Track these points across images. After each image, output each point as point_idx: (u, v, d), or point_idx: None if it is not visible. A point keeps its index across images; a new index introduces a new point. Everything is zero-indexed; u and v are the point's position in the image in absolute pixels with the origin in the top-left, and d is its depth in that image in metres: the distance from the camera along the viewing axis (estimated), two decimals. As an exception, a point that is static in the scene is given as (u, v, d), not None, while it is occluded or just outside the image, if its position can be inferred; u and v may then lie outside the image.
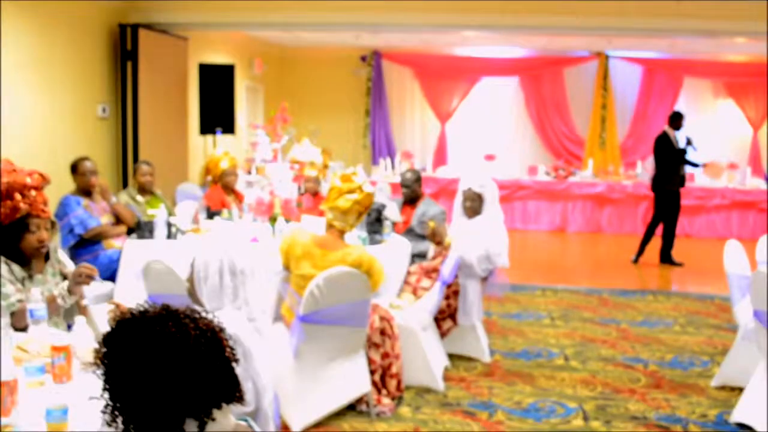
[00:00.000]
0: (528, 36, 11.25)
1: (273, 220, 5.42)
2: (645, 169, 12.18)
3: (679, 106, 13.12)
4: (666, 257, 9.33)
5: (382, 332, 4.41)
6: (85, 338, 2.77)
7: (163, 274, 4.03)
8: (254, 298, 2.84)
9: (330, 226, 4.22)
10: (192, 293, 2.94)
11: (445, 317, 5.35)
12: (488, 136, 13.49)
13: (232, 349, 1.76)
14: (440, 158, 13.49)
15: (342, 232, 4.22)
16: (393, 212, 6.12)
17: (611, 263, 9.80)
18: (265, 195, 5.59)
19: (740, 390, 4.98)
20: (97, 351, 1.78)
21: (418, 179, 6.38)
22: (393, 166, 12.25)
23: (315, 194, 6.64)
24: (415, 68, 13.71)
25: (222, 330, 1.77)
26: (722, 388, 5.14)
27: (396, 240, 5.61)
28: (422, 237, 6.13)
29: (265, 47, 12.96)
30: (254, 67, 12.43)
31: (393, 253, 5.28)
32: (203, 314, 1.78)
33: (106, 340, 1.72)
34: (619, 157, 13.03)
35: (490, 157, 12.31)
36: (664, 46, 11.98)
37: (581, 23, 8.60)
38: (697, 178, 11.97)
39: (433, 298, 4.89)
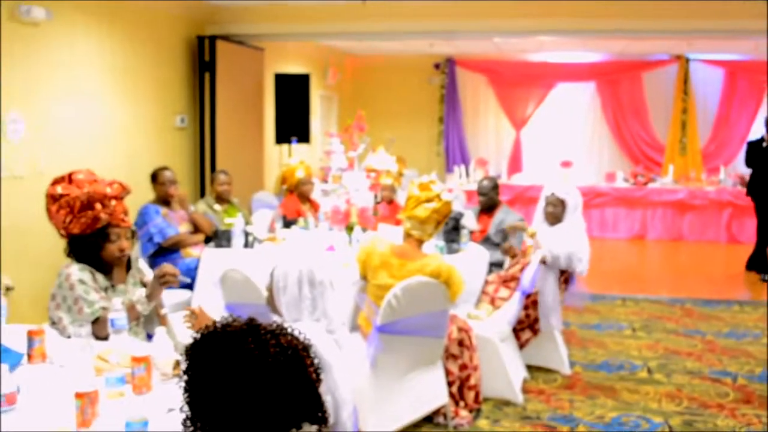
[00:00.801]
0: (604, 40, 11.02)
1: (349, 228, 5.41)
2: (728, 175, 11.80)
3: (763, 111, 12.68)
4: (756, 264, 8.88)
5: (461, 343, 4.34)
6: (165, 349, 2.78)
7: (241, 283, 4.05)
8: (333, 310, 2.81)
9: (408, 236, 4.18)
10: (271, 303, 2.93)
11: (524, 327, 5.24)
12: (564, 143, 13.26)
13: (316, 368, 1.72)
14: (515, 165, 13.32)
15: (420, 242, 4.17)
16: (470, 221, 6.05)
17: (693, 272, 9.50)
18: (341, 203, 5.59)
19: (838, 407, 4.75)
20: (177, 362, 1.78)
21: (495, 187, 6.29)
22: (467, 174, 12.14)
23: (390, 202, 6.61)
24: (489, 75, 13.58)
25: (306, 348, 1.73)
26: (818, 404, 4.90)
27: (473, 249, 5.53)
28: (500, 245, 6.04)
29: (338, 56, 13.04)
30: (328, 76, 12.51)
31: (471, 262, 5.21)
32: (288, 330, 1.74)
33: (188, 352, 1.70)
34: (701, 162, 12.62)
35: (566, 164, 12.09)
36: (746, 48, 11.57)
37: (661, 26, 8.36)
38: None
39: (512, 308, 4.80)
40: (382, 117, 13.73)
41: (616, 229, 11.69)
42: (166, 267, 3.31)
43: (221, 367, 1.62)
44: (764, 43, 10.65)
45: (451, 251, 5.31)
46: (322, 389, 2.19)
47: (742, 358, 5.86)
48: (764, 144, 8.55)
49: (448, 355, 4.30)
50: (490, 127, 13.77)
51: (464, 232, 5.48)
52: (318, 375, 1.74)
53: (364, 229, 5.42)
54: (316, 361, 1.73)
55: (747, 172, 11.50)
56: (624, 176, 12.04)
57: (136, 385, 2.59)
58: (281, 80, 9.76)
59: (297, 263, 2.80)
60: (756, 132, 12.32)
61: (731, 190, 11.40)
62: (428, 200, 4.13)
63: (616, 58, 13.03)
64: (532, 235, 5.20)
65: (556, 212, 5.29)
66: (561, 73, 13.24)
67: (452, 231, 5.36)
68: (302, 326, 2.79)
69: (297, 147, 9.94)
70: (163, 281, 3.29)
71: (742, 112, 12.71)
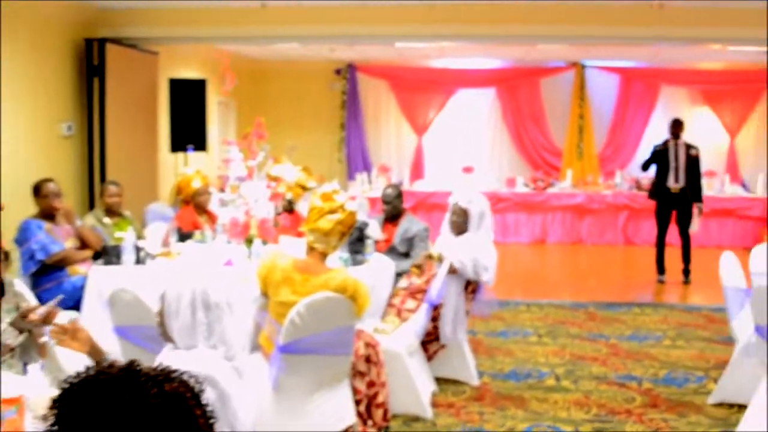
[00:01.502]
0: (504, 47, 11.10)
1: (249, 241, 5.14)
2: (624, 179, 12.08)
3: (657, 115, 13.06)
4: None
5: (368, 359, 4.16)
6: (41, 386, 2.48)
7: (131, 304, 3.76)
8: (232, 335, 2.58)
9: (311, 249, 3.96)
10: (162, 329, 2.67)
11: (432, 340, 5.11)
12: (466, 149, 13.29)
13: (208, 417, 1.49)
14: (417, 172, 13.26)
15: (324, 255, 3.96)
16: (375, 230, 5.89)
17: (594, 275, 9.64)
18: (240, 215, 5.32)
19: (739, 407, 4.82)
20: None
21: (399, 195, 6.15)
22: (369, 181, 12.01)
23: (291, 212, 6.36)
24: (390, 81, 13.49)
25: (196, 395, 1.48)
26: (720, 405, 4.98)
27: (379, 259, 5.37)
28: (405, 255, 5.90)
29: (237, 61, 12.65)
30: (226, 81, 12.09)
31: (376, 273, 5.04)
32: (176, 374, 1.49)
33: (55, 403, 1.44)
34: (598, 167, 12.89)
35: (468, 170, 12.12)
36: (641, 55, 11.89)
37: (560, 32, 8.45)
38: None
39: (419, 320, 4.65)
40: (282, 124, 13.45)
41: (517, 234, 11.79)
42: (26, 309, 2.94)
43: (93, 422, 1.38)
44: (657, 50, 10.97)
45: (355, 263, 5.12)
46: (221, 423, 1.96)
47: (646, 361, 5.92)
48: (663, 148, 8.71)
49: (355, 373, 4.10)
50: (391, 134, 13.68)
51: (369, 243, 5.31)
52: (211, 425, 1.50)
53: (265, 242, 5.16)
54: (209, 409, 1.50)
55: (642, 175, 11.87)
56: (524, 181, 12.16)
57: (6, 431, 2.29)
58: (176, 86, 9.38)
59: (189, 284, 2.55)
60: (650, 136, 12.71)
61: (627, 193, 11.68)
62: (332, 211, 3.93)
63: (515, 65, 13.17)
64: (440, 259, 5.05)
65: (459, 222, 5.19)
66: (462, 79, 13.29)
67: (357, 242, 5.18)
68: (197, 354, 2.55)
69: (194, 155, 9.58)
70: (22, 326, 2.91)
71: (636, 117, 13.06)
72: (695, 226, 8.67)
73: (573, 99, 13.00)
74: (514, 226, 11.83)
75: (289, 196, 6.16)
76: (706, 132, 13.16)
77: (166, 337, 2.66)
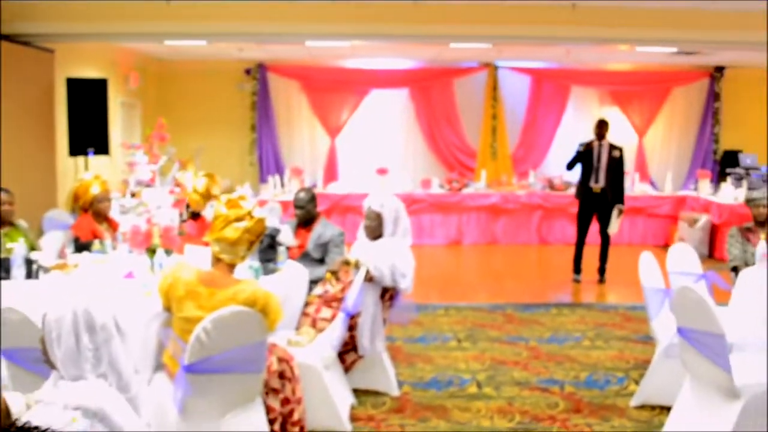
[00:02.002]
0: (417, 45, 10.99)
1: (151, 251, 4.79)
2: (537, 179, 12.14)
3: (568, 115, 13.20)
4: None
5: (281, 375, 3.90)
6: None
7: (19, 325, 3.41)
8: (124, 362, 2.28)
9: (217, 260, 3.67)
10: (46, 357, 2.36)
11: (349, 350, 4.88)
12: (380, 150, 13.14)
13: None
14: (331, 174, 13.02)
15: (231, 266, 3.68)
16: (287, 236, 5.62)
17: (510, 275, 9.59)
18: (142, 223, 4.96)
19: (661, 408, 4.79)
20: None
21: (312, 199, 5.89)
22: (282, 184, 11.69)
23: (197, 218, 6.02)
24: (302, 81, 13.19)
25: None
26: (642, 407, 4.93)
27: (292, 267, 5.10)
28: (320, 261, 5.66)
29: (142, 60, 12.19)
30: (130, 81, 11.63)
31: (289, 282, 4.77)
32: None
33: None
34: (511, 167, 12.93)
35: (382, 171, 11.94)
36: (551, 55, 11.97)
37: (473, 31, 8.37)
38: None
39: (336, 331, 4.41)
40: (191, 126, 13.05)
41: (432, 236, 11.69)
42: None
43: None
44: (567, 51, 11.05)
45: (267, 272, 4.84)
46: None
47: (567, 364, 5.85)
48: (587, 148, 8.70)
49: (268, 390, 3.84)
50: (304, 135, 13.39)
51: (281, 250, 5.03)
52: None
53: (169, 252, 4.82)
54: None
55: (555, 175, 11.96)
56: (439, 182, 12.07)
57: None
58: (74, 85, 8.85)
59: (70, 304, 2.24)
60: (562, 137, 12.84)
61: (540, 193, 11.73)
62: (238, 219, 3.65)
63: (428, 65, 13.09)
64: (356, 265, 4.83)
65: (373, 226, 4.98)
66: (374, 79, 13.11)
67: (268, 249, 4.90)
68: (85, 387, 2.25)
69: (95, 159, 9.09)
70: None
71: (547, 118, 13.16)
72: (614, 228, 8.71)
73: (486, 100, 13.01)
74: (429, 228, 11.72)
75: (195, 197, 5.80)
76: (615, 132, 13.37)
77: (50, 364, 2.35)
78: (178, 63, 13.02)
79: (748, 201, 5.79)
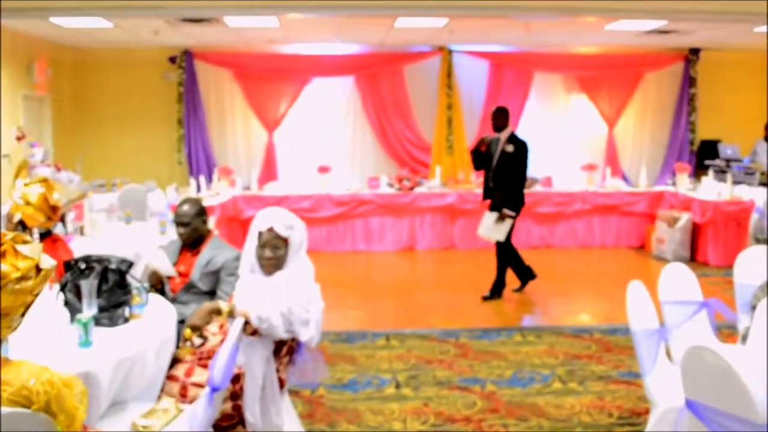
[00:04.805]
0: (361, 26, 9.66)
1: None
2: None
3: (531, 103, 11.97)
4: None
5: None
6: None
7: None
8: None
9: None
10: None
11: (234, 424, 3.54)
12: (323, 145, 11.80)
13: None
14: (269, 173, 11.66)
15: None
16: (163, 264, 4.28)
17: (467, 287, 8.26)
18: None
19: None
20: None
21: (200, 212, 4.53)
22: (208, 186, 10.27)
23: (46, 238, 4.61)
24: (234, 69, 11.76)
25: None
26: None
27: (157, 306, 3.75)
28: (210, 294, 4.33)
29: (51, 49, 10.72)
30: (34, 72, 10.16)
31: (147, 333, 3.41)
32: None
33: None
34: (470, 162, 11.61)
35: (324, 169, 10.59)
36: (511, 37, 10.70)
37: (423, 3, 7.08)
38: (554, 182, 10.77)
39: (198, 414, 3.03)
40: (110, 121, 11.69)
41: (382, 241, 10.39)
42: None
43: None
44: (527, 33, 9.79)
45: (116, 322, 3.47)
46: None
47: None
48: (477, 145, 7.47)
49: None
50: (238, 130, 11.97)
51: (139, 289, 3.64)
52: None
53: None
54: None
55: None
56: (388, 181, 10.77)
57: None
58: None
59: None
60: (524, 127, 11.56)
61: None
62: (22, 278, 2.25)
63: (375, 50, 11.74)
64: (231, 314, 3.44)
65: (277, 256, 3.56)
66: (316, 66, 11.73)
67: (116, 290, 3.49)
68: None
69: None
70: None
71: (508, 107, 11.83)
72: (497, 234, 7.48)
73: (440, 88, 11.73)
74: (378, 232, 10.42)
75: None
76: (583, 122, 12.21)
77: None
78: (95, 51, 11.58)
79: None
